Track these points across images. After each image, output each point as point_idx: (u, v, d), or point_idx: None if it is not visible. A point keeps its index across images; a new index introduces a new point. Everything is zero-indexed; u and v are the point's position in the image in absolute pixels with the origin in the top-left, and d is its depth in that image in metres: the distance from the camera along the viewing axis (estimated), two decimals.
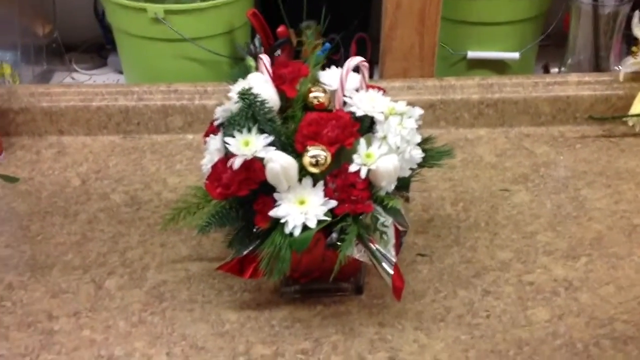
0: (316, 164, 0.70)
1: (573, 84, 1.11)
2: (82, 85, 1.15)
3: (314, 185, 0.71)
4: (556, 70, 1.25)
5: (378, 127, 0.74)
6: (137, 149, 1.09)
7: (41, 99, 1.11)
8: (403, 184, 0.78)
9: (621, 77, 1.10)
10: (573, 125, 1.12)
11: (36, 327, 0.78)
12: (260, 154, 0.70)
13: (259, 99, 0.72)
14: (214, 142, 0.76)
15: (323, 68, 0.82)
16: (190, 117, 1.11)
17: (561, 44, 1.23)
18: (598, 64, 1.17)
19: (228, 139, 0.71)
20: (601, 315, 0.78)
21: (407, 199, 0.81)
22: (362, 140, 0.72)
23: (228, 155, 0.72)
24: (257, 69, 0.79)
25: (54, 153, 1.08)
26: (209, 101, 1.10)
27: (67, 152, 1.08)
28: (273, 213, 0.70)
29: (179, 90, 1.11)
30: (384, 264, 0.74)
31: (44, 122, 1.11)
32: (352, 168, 0.71)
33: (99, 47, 1.40)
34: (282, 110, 0.77)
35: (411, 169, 0.76)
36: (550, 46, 1.33)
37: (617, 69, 1.16)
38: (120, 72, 1.33)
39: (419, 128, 0.75)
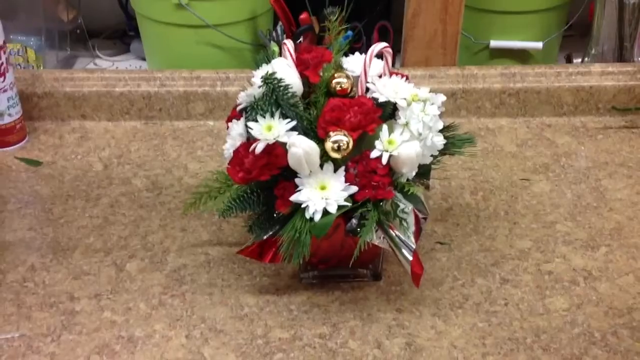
0: (338, 149, 0.70)
1: (596, 74, 1.11)
2: (106, 70, 1.16)
3: (336, 170, 0.72)
4: (579, 60, 1.25)
5: (400, 113, 0.74)
6: (159, 134, 1.10)
7: (65, 84, 1.12)
8: (424, 171, 0.78)
9: None
10: (595, 115, 1.11)
11: (58, 307, 0.79)
12: (282, 139, 0.70)
13: (283, 84, 0.72)
14: (237, 127, 0.76)
15: (345, 56, 0.82)
16: (212, 103, 1.11)
17: (585, 34, 1.22)
18: (622, 55, 1.17)
19: (251, 124, 0.71)
20: (620, 305, 0.78)
21: (427, 187, 0.82)
22: (385, 127, 0.72)
23: (250, 140, 0.73)
24: (280, 54, 0.79)
25: (76, 137, 1.09)
26: (230, 88, 1.11)
27: (89, 137, 1.09)
28: (294, 198, 0.71)
29: (201, 76, 1.12)
30: (403, 251, 0.74)
31: (67, 107, 1.12)
32: (374, 154, 0.71)
33: (121, 34, 1.41)
34: (305, 95, 0.77)
35: (432, 155, 0.76)
36: (573, 36, 1.33)
37: None
38: (142, 59, 1.34)
39: (440, 115, 0.75)
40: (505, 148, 1.05)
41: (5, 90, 1.03)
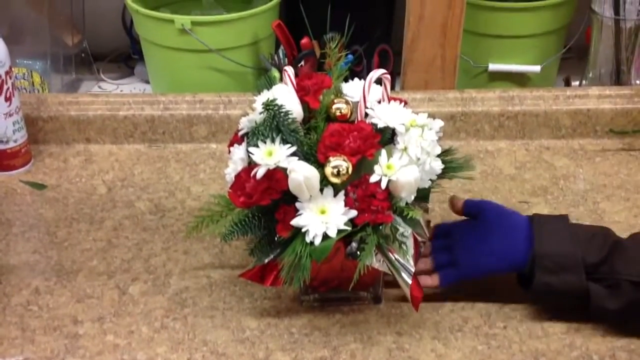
0: (337, 174, 0.72)
1: (594, 97, 1.12)
2: (110, 94, 1.17)
3: (335, 195, 0.73)
4: (577, 83, 1.26)
5: (399, 138, 0.75)
6: (162, 157, 1.11)
7: (70, 107, 1.13)
8: (423, 195, 0.79)
9: None
10: (593, 138, 1.12)
11: (61, 331, 0.80)
12: (283, 164, 0.71)
13: (283, 110, 0.73)
14: (238, 152, 0.77)
15: (346, 79, 0.84)
16: (215, 126, 1.13)
17: (583, 57, 1.24)
18: (619, 78, 1.18)
19: (252, 149, 0.73)
20: (618, 328, 0.78)
21: (426, 210, 0.83)
22: (383, 152, 0.73)
23: (251, 164, 0.74)
24: (281, 80, 0.81)
25: (81, 161, 1.11)
26: (233, 111, 1.12)
27: (94, 160, 1.11)
28: (294, 222, 0.72)
29: (204, 100, 1.13)
30: (402, 274, 0.75)
31: (72, 130, 1.13)
32: (373, 179, 0.72)
33: (126, 57, 1.43)
34: (305, 121, 0.78)
35: (431, 180, 0.77)
36: (572, 58, 1.34)
37: (638, 82, 1.16)
38: (147, 82, 1.35)
39: (439, 140, 0.76)
40: (504, 170, 1.06)
41: (11, 115, 1.04)
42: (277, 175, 0.72)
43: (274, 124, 0.74)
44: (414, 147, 0.74)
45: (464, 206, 0.83)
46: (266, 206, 0.74)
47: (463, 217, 0.85)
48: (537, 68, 1.23)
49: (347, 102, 0.79)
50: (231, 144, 0.80)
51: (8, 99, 1.03)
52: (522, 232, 0.78)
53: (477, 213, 0.82)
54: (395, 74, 1.23)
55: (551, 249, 0.76)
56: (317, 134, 0.76)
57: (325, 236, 0.71)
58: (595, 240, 0.77)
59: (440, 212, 0.97)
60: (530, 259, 0.76)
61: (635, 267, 0.74)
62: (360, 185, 0.73)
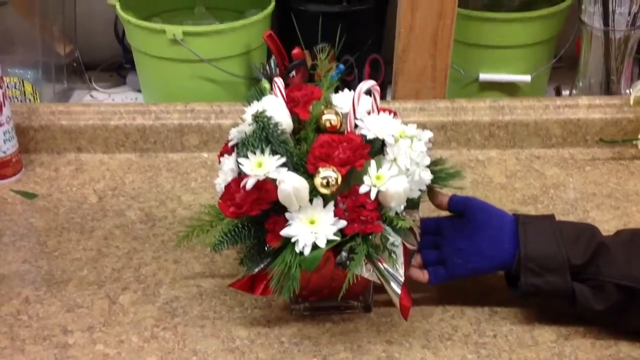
0: (327, 185, 0.72)
1: (583, 107, 1.12)
2: (101, 104, 1.17)
3: (325, 205, 0.73)
4: (568, 92, 1.26)
5: (388, 149, 0.75)
6: (153, 166, 1.11)
7: (61, 117, 1.13)
8: (412, 205, 0.80)
9: (631, 101, 1.11)
10: (583, 147, 1.13)
11: (51, 340, 0.80)
12: (272, 175, 0.71)
13: (273, 122, 0.74)
14: (228, 162, 0.78)
15: (337, 89, 0.84)
16: (206, 136, 1.13)
17: (574, 66, 1.24)
18: (609, 88, 1.18)
19: (242, 160, 0.73)
20: (606, 337, 0.79)
21: (416, 220, 0.83)
22: (373, 162, 0.74)
23: (241, 175, 0.74)
24: (271, 91, 0.81)
25: (72, 170, 1.11)
26: (224, 121, 1.12)
27: (85, 169, 1.11)
28: (284, 232, 0.72)
29: (196, 109, 1.13)
30: (392, 284, 0.75)
31: (63, 139, 1.13)
32: (362, 189, 0.73)
33: (118, 66, 1.43)
34: (295, 132, 0.79)
35: (420, 190, 0.78)
36: (563, 68, 1.34)
37: (628, 92, 1.17)
38: (139, 91, 1.35)
39: (429, 150, 0.77)
40: (495, 179, 1.07)
41: (1, 124, 1.04)
42: (267, 186, 0.72)
43: (264, 135, 0.74)
44: (403, 158, 0.74)
45: (449, 202, 0.83)
46: (256, 216, 0.74)
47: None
48: (527, 78, 1.23)
49: (336, 113, 0.79)
50: (221, 155, 0.81)
51: None
52: (508, 233, 0.79)
53: (463, 210, 0.82)
54: (386, 83, 1.23)
55: (536, 251, 0.77)
56: (306, 144, 0.76)
57: (315, 246, 0.71)
58: (581, 240, 0.77)
59: None
60: (516, 260, 0.77)
61: (619, 269, 0.75)
62: (349, 195, 0.73)
